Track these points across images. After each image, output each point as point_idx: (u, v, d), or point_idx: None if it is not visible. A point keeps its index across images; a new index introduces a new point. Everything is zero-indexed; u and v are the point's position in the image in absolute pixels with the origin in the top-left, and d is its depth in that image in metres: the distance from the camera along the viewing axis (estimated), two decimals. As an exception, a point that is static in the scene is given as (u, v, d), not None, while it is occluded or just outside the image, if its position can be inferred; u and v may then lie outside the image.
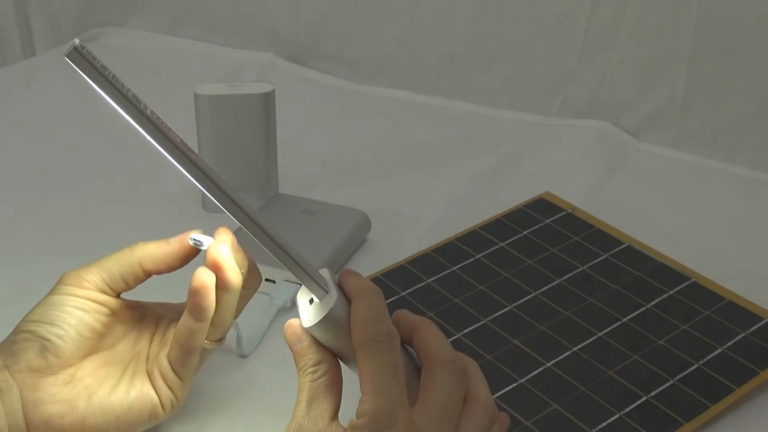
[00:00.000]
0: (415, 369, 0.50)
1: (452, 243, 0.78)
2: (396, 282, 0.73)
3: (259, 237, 0.47)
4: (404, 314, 0.51)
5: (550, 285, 0.73)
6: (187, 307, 0.54)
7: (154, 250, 0.56)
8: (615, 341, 0.66)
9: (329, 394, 0.47)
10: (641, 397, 0.62)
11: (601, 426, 0.59)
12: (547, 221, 0.81)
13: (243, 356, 0.66)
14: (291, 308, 0.71)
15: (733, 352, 0.65)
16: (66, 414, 0.52)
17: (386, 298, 0.70)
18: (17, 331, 0.53)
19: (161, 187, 0.88)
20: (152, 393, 0.54)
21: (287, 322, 0.50)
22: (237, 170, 0.82)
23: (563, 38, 1.02)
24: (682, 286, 0.72)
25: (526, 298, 0.71)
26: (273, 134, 0.83)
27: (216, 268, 0.54)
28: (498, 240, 0.78)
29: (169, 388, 0.55)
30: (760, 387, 0.63)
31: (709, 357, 0.65)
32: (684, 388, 0.62)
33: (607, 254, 0.76)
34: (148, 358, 0.56)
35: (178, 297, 0.58)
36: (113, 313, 0.55)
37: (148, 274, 0.56)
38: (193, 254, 0.56)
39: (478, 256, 0.76)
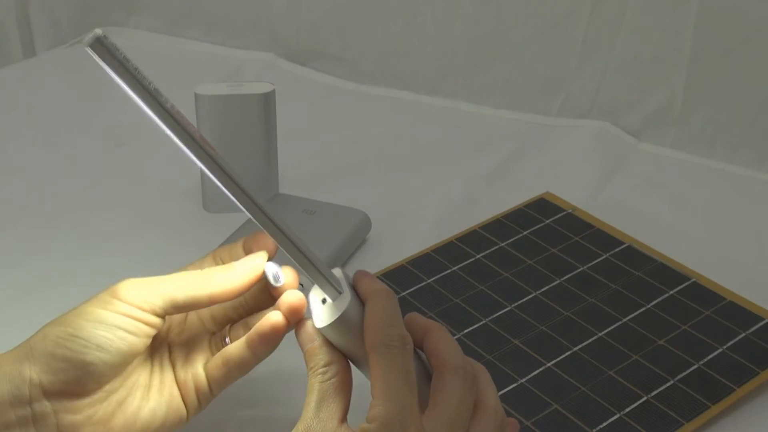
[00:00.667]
0: (426, 374, 0.49)
1: (452, 243, 0.78)
2: (396, 282, 0.73)
3: (275, 235, 0.47)
4: (416, 318, 0.50)
5: (551, 285, 0.73)
6: (249, 340, 0.51)
7: (223, 286, 0.51)
8: (615, 341, 0.66)
9: (338, 396, 0.47)
10: (641, 397, 0.62)
11: (601, 426, 0.59)
12: (548, 221, 0.81)
13: None
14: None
15: (733, 352, 0.65)
16: None
17: (386, 298, 0.70)
18: (58, 341, 0.48)
19: (161, 187, 0.88)
20: (181, 402, 0.52)
21: (299, 322, 0.49)
22: (237, 170, 0.82)
23: (563, 38, 1.02)
24: (683, 286, 0.72)
25: (526, 298, 0.71)
26: (273, 134, 0.83)
27: (293, 316, 0.50)
28: (498, 240, 0.78)
29: (198, 399, 0.52)
30: (760, 387, 0.63)
31: (709, 357, 0.65)
32: (684, 388, 0.62)
33: (608, 254, 0.76)
34: (173, 366, 0.53)
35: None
36: (153, 333, 0.51)
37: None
38: (258, 282, 0.52)
39: (478, 256, 0.76)
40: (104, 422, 0.49)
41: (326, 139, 1.00)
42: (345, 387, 0.48)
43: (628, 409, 0.61)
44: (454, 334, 0.67)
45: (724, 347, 0.66)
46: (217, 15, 1.19)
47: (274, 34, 1.17)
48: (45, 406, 0.48)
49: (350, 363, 0.49)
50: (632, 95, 1.01)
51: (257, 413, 0.61)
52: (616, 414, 0.60)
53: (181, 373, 0.53)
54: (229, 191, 0.46)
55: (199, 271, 0.52)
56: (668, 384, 0.63)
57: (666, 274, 0.73)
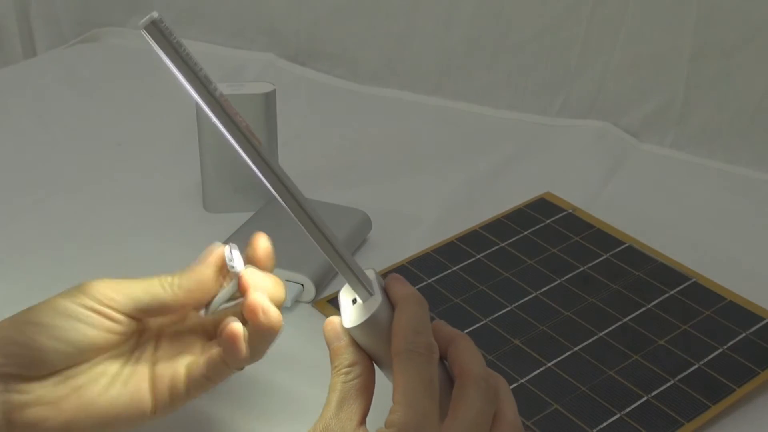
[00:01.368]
0: (448, 383, 0.49)
1: (453, 243, 0.78)
2: (396, 282, 0.73)
3: (311, 231, 0.47)
4: (442, 326, 0.50)
5: (551, 285, 0.73)
6: (222, 349, 0.51)
7: (190, 286, 0.52)
8: (615, 341, 0.66)
9: (360, 398, 0.47)
10: (642, 397, 0.62)
11: (601, 426, 0.59)
12: (548, 221, 0.81)
13: None
14: (292, 308, 0.71)
15: (733, 352, 0.65)
16: (50, 417, 0.49)
17: (387, 298, 0.70)
18: (14, 326, 0.50)
19: (161, 187, 0.88)
20: (147, 396, 0.51)
21: (328, 319, 0.49)
22: (237, 170, 0.82)
23: (564, 38, 1.02)
24: (683, 286, 0.72)
25: (526, 298, 0.71)
26: (273, 134, 0.83)
27: (253, 314, 0.51)
28: (498, 240, 0.78)
29: (171, 397, 0.52)
30: (760, 387, 0.63)
31: (709, 357, 0.65)
32: (684, 388, 0.62)
33: (608, 254, 0.76)
34: (155, 361, 0.53)
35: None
36: (123, 332, 0.52)
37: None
38: (224, 270, 0.53)
39: (478, 256, 0.76)
40: (55, 403, 0.49)
41: (326, 139, 0.99)
42: (367, 389, 0.48)
43: (628, 409, 0.61)
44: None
45: (725, 347, 0.66)
46: (217, 15, 1.19)
47: (274, 34, 1.17)
48: None
49: (374, 365, 0.49)
50: (632, 95, 1.01)
51: (248, 412, 0.61)
52: (616, 414, 0.60)
53: (160, 368, 0.52)
54: (271, 185, 0.47)
55: (170, 275, 0.52)
56: (668, 384, 0.63)
57: (666, 274, 0.73)
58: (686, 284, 0.72)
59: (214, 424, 0.60)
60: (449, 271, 0.74)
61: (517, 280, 0.73)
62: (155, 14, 0.42)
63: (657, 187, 0.92)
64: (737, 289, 0.71)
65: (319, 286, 0.72)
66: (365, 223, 0.80)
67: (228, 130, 0.45)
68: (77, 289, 0.51)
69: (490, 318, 0.69)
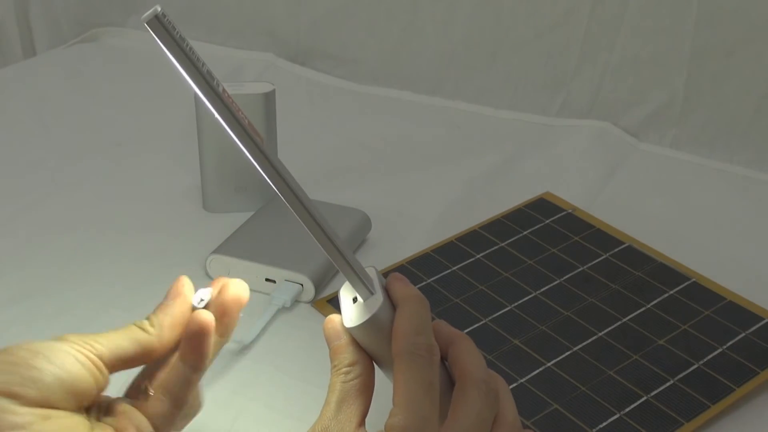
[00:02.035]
0: (448, 384, 0.49)
1: (453, 243, 0.78)
2: (396, 282, 0.73)
3: (312, 228, 0.47)
4: (442, 326, 0.50)
5: (551, 285, 0.73)
6: (182, 355, 0.49)
7: (171, 322, 0.49)
8: (615, 341, 0.66)
9: (359, 398, 0.46)
10: (641, 397, 0.62)
11: (601, 426, 0.59)
12: (548, 221, 0.81)
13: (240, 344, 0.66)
14: (291, 308, 0.71)
15: (733, 352, 0.65)
16: None
17: (386, 298, 0.70)
18: (8, 352, 0.46)
19: (161, 187, 0.88)
20: None
21: (327, 317, 0.49)
22: (237, 170, 0.82)
23: (563, 38, 1.02)
24: (682, 286, 0.72)
25: (526, 298, 0.71)
26: (273, 134, 0.83)
27: (223, 314, 0.49)
28: (498, 240, 0.78)
29: None
30: (760, 387, 0.63)
31: (709, 357, 0.65)
32: (684, 388, 0.62)
33: (608, 254, 0.76)
34: (110, 423, 0.48)
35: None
36: (100, 387, 0.48)
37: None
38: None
39: (478, 256, 0.76)
40: None
41: (326, 139, 1.00)
42: (367, 389, 0.47)
43: (628, 409, 0.61)
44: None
45: (724, 347, 0.66)
46: (217, 15, 1.19)
47: (274, 34, 1.17)
48: None
49: (374, 365, 0.48)
50: (632, 95, 1.01)
51: (246, 412, 0.61)
52: (616, 414, 0.60)
53: (122, 422, 0.48)
54: (272, 181, 0.46)
55: (142, 319, 0.49)
56: (668, 384, 0.63)
57: (666, 274, 0.74)
58: (686, 284, 0.72)
59: (213, 425, 0.60)
60: (449, 271, 0.74)
61: (517, 280, 0.73)
62: (158, 8, 0.42)
63: (657, 187, 0.92)
64: (737, 289, 0.71)
65: (319, 286, 0.72)
66: (365, 223, 0.80)
67: (230, 126, 0.45)
68: (63, 337, 0.47)
69: (490, 318, 0.69)
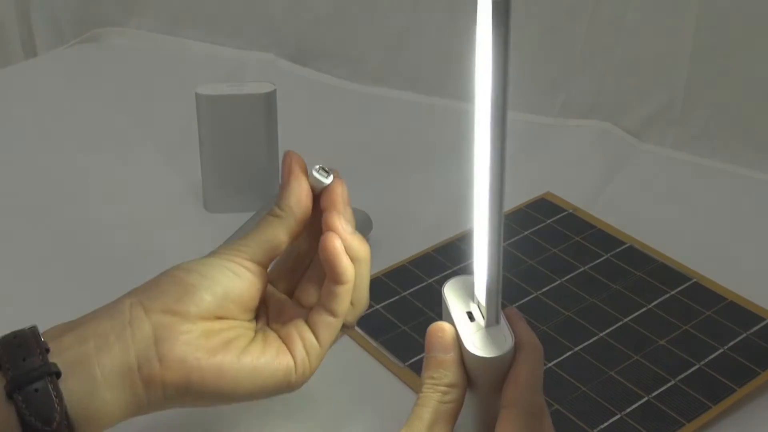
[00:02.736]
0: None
1: (453, 243, 0.78)
2: (397, 282, 0.73)
3: (493, 244, 0.45)
4: (518, 323, 0.48)
5: (552, 285, 0.72)
6: (327, 274, 0.53)
7: (297, 200, 0.55)
8: (616, 341, 0.66)
9: (449, 424, 0.45)
10: (642, 397, 0.61)
11: (602, 426, 0.59)
12: (549, 221, 0.81)
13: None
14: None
15: (734, 352, 0.65)
16: (202, 357, 0.49)
17: (387, 298, 0.71)
18: (166, 273, 0.52)
19: (161, 187, 0.88)
20: (288, 356, 0.52)
21: (439, 324, 0.47)
22: (238, 170, 0.82)
23: (564, 38, 1.02)
24: (684, 286, 0.72)
25: (527, 299, 0.71)
26: (274, 134, 0.83)
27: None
28: (499, 240, 0.78)
29: (308, 354, 0.53)
30: (761, 387, 0.63)
31: (710, 357, 0.65)
32: (685, 389, 0.62)
33: (609, 254, 0.76)
34: (275, 329, 0.54)
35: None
36: (262, 288, 0.54)
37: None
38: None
39: (478, 256, 0.76)
40: (205, 347, 0.50)
41: (327, 139, 0.99)
42: (456, 416, 0.46)
43: (628, 410, 0.60)
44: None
45: (725, 347, 0.66)
46: (217, 15, 1.19)
47: (275, 34, 1.17)
48: (143, 322, 0.49)
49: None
50: (633, 95, 1.01)
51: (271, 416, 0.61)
52: (617, 414, 0.60)
53: (288, 330, 0.54)
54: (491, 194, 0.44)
55: (267, 215, 0.55)
56: (669, 384, 0.62)
57: (667, 274, 0.73)
58: (687, 284, 0.72)
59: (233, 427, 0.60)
60: (449, 271, 0.74)
61: (518, 280, 0.73)
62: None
63: (657, 188, 0.92)
64: (738, 289, 0.71)
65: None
66: (365, 223, 0.80)
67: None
68: (215, 251, 0.54)
69: (491, 318, 0.69)
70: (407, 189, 0.90)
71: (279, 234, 0.54)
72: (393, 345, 0.67)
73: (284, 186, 0.55)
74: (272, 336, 0.53)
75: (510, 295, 0.71)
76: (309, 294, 0.56)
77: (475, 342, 0.45)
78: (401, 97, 1.10)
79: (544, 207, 0.83)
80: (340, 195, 0.55)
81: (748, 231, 0.85)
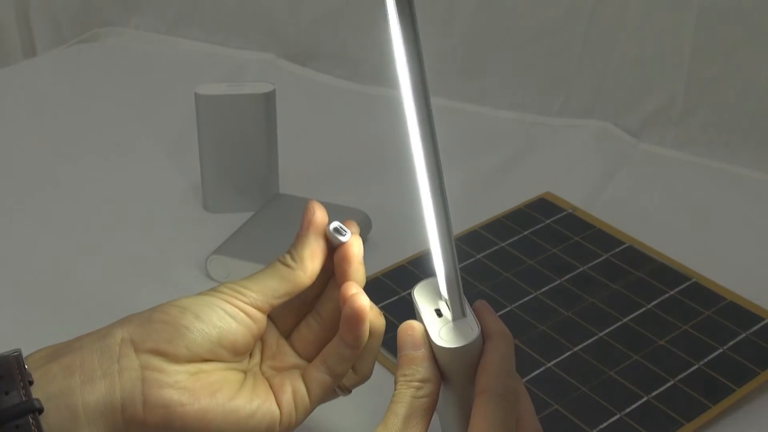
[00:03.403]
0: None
1: (453, 243, 0.78)
2: (397, 282, 0.73)
3: (444, 243, 0.47)
4: (486, 314, 0.49)
5: (551, 285, 0.72)
6: (341, 333, 0.52)
7: (312, 254, 0.52)
8: (616, 341, 0.66)
9: (425, 418, 0.46)
10: (642, 397, 0.61)
11: (601, 426, 0.59)
12: (548, 221, 0.81)
13: None
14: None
15: (733, 352, 0.65)
16: (187, 403, 0.48)
17: (386, 298, 0.71)
18: (161, 310, 0.50)
19: (161, 187, 0.88)
20: (274, 407, 0.51)
21: (408, 322, 0.48)
22: (237, 170, 0.82)
23: (564, 38, 1.02)
24: (683, 286, 0.72)
25: (526, 298, 0.71)
26: (273, 134, 0.83)
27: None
28: (498, 240, 0.78)
29: (296, 407, 0.51)
30: (760, 387, 0.63)
31: (709, 357, 0.65)
32: (685, 389, 0.62)
33: (608, 254, 0.76)
34: (268, 377, 0.53)
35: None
36: (255, 335, 0.52)
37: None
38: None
39: (478, 256, 0.76)
40: (191, 391, 0.49)
41: (326, 139, 0.99)
42: (431, 411, 0.47)
43: (628, 410, 0.60)
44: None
45: (725, 347, 0.66)
46: (217, 15, 1.19)
47: (275, 34, 1.17)
48: (132, 360, 0.48)
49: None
50: (633, 95, 1.01)
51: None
52: (616, 414, 0.60)
53: (281, 380, 0.52)
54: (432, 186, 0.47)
55: (281, 256, 0.53)
56: (669, 384, 0.62)
57: (666, 274, 0.73)
58: (686, 284, 0.72)
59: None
60: (449, 271, 0.74)
61: (517, 280, 0.73)
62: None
63: (657, 187, 0.92)
64: (737, 289, 0.71)
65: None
66: (365, 223, 0.80)
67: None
68: (215, 289, 0.51)
69: (490, 318, 0.69)
70: (407, 189, 0.90)
71: (286, 285, 0.52)
72: (393, 345, 0.67)
73: (301, 238, 0.53)
74: (261, 382, 0.52)
75: (510, 295, 0.71)
76: (307, 343, 0.55)
77: (442, 335, 0.46)
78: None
79: (543, 207, 0.83)
80: (356, 255, 0.53)
81: (748, 231, 0.85)
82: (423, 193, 0.46)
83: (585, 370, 0.64)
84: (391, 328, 0.68)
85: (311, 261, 0.52)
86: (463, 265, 0.75)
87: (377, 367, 0.67)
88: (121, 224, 0.83)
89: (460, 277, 0.47)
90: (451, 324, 0.47)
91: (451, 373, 0.47)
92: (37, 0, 1.22)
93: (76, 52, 1.19)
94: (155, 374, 0.48)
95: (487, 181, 0.91)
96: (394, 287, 0.72)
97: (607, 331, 0.68)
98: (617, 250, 0.77)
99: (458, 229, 0.80)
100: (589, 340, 0.67)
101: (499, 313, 0.69)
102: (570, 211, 0.82)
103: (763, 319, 0.68)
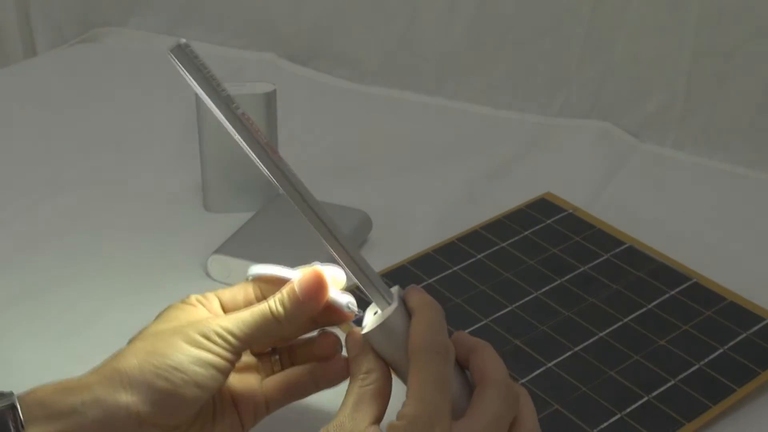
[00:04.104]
0: (469, 390, 0.49)
1: (453, 243, 0.78)
2: (396, 282, 0.73)
3: (332, 244, 0.49)
4: (463, 336, 0.51)
5: (551, 285, 0.72)
6: (312, 374, 0.55)
7: (303, 314, 0.52)
8: (616, 341, 0.66)
9: (375, 401, 0.47)
10: (642, 397, 0.61)
11: (602, 426, 0.59)
12: (549, 221, 0.81)
13: None
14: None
15: (734, 352, 0.65)
16: None
17: (387, 298, 0.70)
18: (159, 373, 0.48)
19: (162, 187, 0.88)
20: (238, 423, 0.54)
21: (349, 330, 0.50)
22: (238, 170, 0.82)
23: (564, 38, 1.02)
24: (683, 286, 0.72)
25: (527, 299, 0.71)
26: (274, 134, 0.83)
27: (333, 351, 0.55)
28: (499, 240, 0.78)
29: (255, 416, 0.54)
30: (761, 387, 0.63)
31: (710, 357, 0.65)
32: (685, 389, 0.62)
33: (608, 254, 0.76)
34: (230, 389, 0.54)
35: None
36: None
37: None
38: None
39: (479, 256, 0.76)
40: None
41: (327, 139, 0.99)
42: (382, 395, 0.48)
43: (628, 410, 0.60)
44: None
45: (725, 347, 0.66)
46: (218, 15, 1.19)
47: (275, 34, 1.17)
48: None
49: (391, 374, 0.49)
50: (633, 95, 1.01)
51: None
52: (616, 414, 0.60)
53: (238, 394, 0.54)
54: (292, 199, 0.48)
55: (265, 306, 0.52)
56: (669, 384, 0.62)
57: (667, 274, 0.73)
58: (686, 284, 0.72)
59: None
60: (449, 271, 0.74)
61: (518, 280, 0.73)
62: (183, 40, 0.45)
63: (657, 187, 0.92)
64: (737, 289, 0.71)
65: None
66: (366, 223, 0.80)
67: (250, 146, 0.48)
68: (194, 330, 0.50)
69: (491, 318, 0.69)
70: (407, 189, 0.90)
71: (271, 338, 0.53)
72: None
73: (303, 300, 0.52)
74: (226, 404, 0.54)
75: (510, 295, 0.71)
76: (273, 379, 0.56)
77: (367, 326, 0.49)
78: (402, 97, 1.10)
79: (543, 207, 0.83)
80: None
81: (748, 231, 0.85)
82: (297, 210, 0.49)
83: (585, 370, 0.64)
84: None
85: (301, 327, 0.54)
86: (463, 265, 0.75)
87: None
88: (121, 224, 0.82)
89: (367, 274, 0.49)
90: (379, 314, 0.49)
91: (390, 356, 0.49)
92: (38, 0, 1.22)
93: (76, 52, 1.19)
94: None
95: (487, 181, 0.91)
96: (395, 287, 0.72)
97: (607, 331, 0.68)
98: (617, 250, 0.77)
99: (459, 229, 0.80)
100: (590, 340, 0.67)
101: (499, 313, 0.69)
102: (570, 211, 0.82)
103: (763, 319, 0.68)
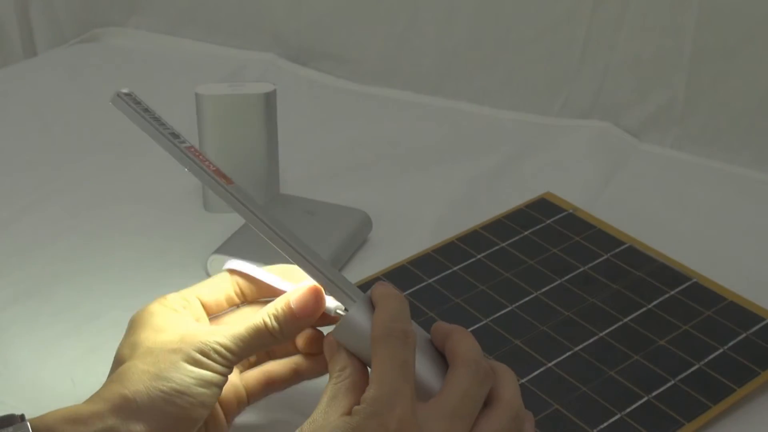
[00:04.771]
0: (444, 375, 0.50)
1: (453, 243, 0.78)
2: (397, 282, 0.73)
3: (291, 255, 0.50)
4: (440, 324, 0.51)
5: (551, 285, 0.72)
6: (297, 367, 0.57)
7: (297, 327, 0.54)
8: (616, 341, 0.66)
9: (349, 394, 0.48)
10: (642, 397, 0.61)
11: (602, 426, 0.59)
12: (548, 221, 0.81)
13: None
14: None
15: (734, 352, 0.65)
16: None
17: (387, 298, 0.70)
18: (167, 398, 0.50)
19: (162, 187, 0.88)
20: (224, 420, 0.55)
21: (325, 336, 0.52)
22: (238, 170, 0.82)
23: (564, 38, 1.02)
24: (683, 286, 0.72)
25: (527, 299, 0.71)
26: (274, 134, 0.83)
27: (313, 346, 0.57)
28: (499, 240, 0.78)
29: (238, 408, 0.56)
30: (761, 387, 0.63)
31: (710, 357, 0.65)
32: (685, 389, 0.62)
33: (608, 254, 0.76)
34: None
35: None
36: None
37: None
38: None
39: (479, 256, 0.76)
40: None
41: (327, 139, 0.99)
42: (357, 388, 0.48)
43: (628, 410, 0.60)
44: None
45: (725, 347, 0.66)
46: (218, 15, 1.19)
47: (275, 34, 1.17)
48: None
49: (367, 369, 0.50)
50: (633, 95, 1.01)
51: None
52: (617, 414, 0.60)
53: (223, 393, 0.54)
54: (246, 218, 0.50)
55: (260, 321, 0.53)
56: (669, 384, 0.62)
57: (667, 274, 0.73)
58: (687, 284, 0.72)
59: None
60: (449, 271, 0.74)
61: (518, 280, 0.73)
62: (124, 90, 0.50)
63: (657, 187, 0.92)
64: (737, 289, 0.71)
65: (320, 286, 0.72)
66: (365, 223, 0.80)
67: (198, 175, 0.52)
68: (196, 348, 0.51)
69: (491, 318, 0.69)
70: (407, 189, 0.90)
71: (264, 349, 0.56)
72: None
73: (300, 316, 0.53)
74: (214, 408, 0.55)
75: (511, 295, 0.71)
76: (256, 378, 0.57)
77: (335, 325, 0.50)
78: (402, 98, 1.10)
79: (543, 207, 0.83)
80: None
81: (749, 231, 0.85)
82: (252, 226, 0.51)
83: (585, 370, 0.64)
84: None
85: (294, 341, 0.57)
86: (463, 265, 0.75)
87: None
88: (121, 224, 0.82)
89: (327, 275, 0.50)
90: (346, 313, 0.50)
91: (360, 351, 0.49)
92: (38, 0, 1.22)
93: (76, 52, 1.19)
94: None
95: (487, 181, 0.91)
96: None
97: (607, 331, 0.68)
98: (617, 250, 0.77)
99: (459, 229, 0.80)
100: (590, 340, 0.67)
101: (499, 313, 0.69)
102: (570, 211, 0.82)
103: (763, 319, 0.68)
